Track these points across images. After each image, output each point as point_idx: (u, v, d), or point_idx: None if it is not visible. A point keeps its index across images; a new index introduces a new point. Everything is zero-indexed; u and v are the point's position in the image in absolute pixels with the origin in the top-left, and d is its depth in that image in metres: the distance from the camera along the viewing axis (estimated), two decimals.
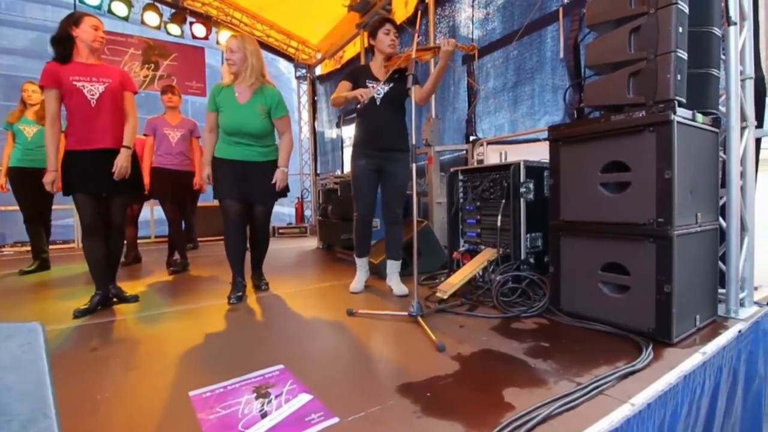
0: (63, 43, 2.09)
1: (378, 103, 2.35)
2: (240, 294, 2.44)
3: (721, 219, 1.85)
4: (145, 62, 6.50)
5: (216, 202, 2.57)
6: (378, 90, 2.34)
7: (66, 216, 5.78)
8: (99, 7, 5.57)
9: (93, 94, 2.13)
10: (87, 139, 2.12)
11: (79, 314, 2.13)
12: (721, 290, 1.86)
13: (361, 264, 2.59)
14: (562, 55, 3.38)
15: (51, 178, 2.10)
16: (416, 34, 2.18)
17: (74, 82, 2.10)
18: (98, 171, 2.15)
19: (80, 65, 2.14)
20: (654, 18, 1.59)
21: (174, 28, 6.16)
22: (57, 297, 2.59)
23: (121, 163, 2.19)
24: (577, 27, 3.29)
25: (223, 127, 2.42)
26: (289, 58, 7.65)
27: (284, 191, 2.57)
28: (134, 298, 2.41)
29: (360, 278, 2.58)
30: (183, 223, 3.70)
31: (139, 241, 4.23)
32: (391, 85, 2.36)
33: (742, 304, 1.85)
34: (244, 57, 2.35)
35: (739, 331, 1.62)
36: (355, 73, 2.40)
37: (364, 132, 2.40)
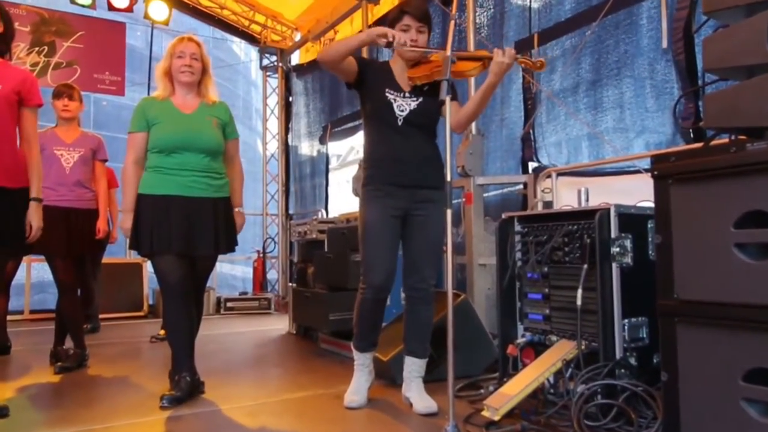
0: None
1: (400, 123, 2.48)
2: (180, 396, 2.59)
3: None
4: (36, 44, 6.85)
5: (128, 258, 2.76)
6: (401, 105, 2.49)
7: None
8: None
9: None
10: None
11: None
12: None
13: (364, 362, 2.62)
14: (665, 44, 3.58)
15: None
16: (452, 17, 2.35)
17: None
18: None
19: None
20: None
21: None
22: None
23: (35, 224, 2.39)
24: (688, 4, 3.51)
25: (162, 144, 2.65)
26: (251, 38, 8.05)
27: (235, 241, 2.87)
28: (2, 411, 2.42)
29: (360, 384, 2.60)
30: (79, 291, 3.75)
31: (8, 317, 4.27)
32: (420, 100, 2.50)
33: None
34: (201, 68, 2.74)
35: None
36: (371, 69, 2.56)
37: (382, 161, 2.52)
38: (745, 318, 1.77)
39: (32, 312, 6.25)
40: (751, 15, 1.85)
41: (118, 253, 6.07)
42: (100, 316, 5.31)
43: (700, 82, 3.25)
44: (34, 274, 6.38)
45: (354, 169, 5.52)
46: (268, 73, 8.40)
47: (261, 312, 6.85)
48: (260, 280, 7.73)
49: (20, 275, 4.98)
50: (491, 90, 2.37)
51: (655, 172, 2.03)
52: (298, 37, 7.93)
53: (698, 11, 3.27)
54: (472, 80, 4.06)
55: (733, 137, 1.92)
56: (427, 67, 2.43)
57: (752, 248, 1.78)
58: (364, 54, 5.92)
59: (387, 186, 2.47)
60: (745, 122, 1.84)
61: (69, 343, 3.59)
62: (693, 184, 1.93)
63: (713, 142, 1.99)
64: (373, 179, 2.52)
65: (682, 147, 3.19)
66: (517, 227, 2.81)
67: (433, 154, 2.57)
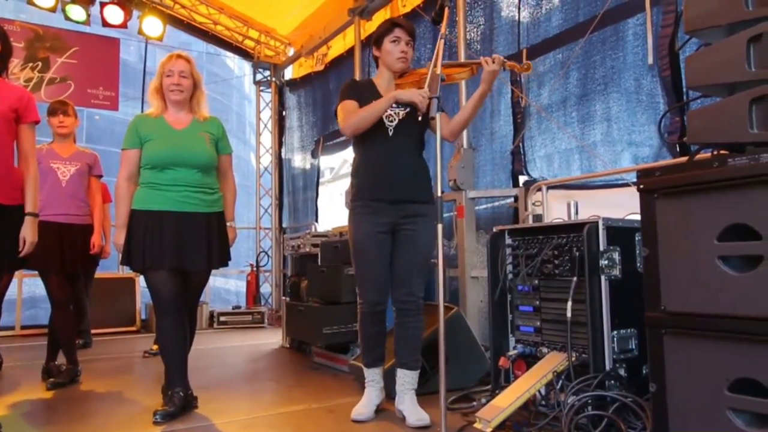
0: None
1: (391, 133, 2.53)
2: (173, 411, 2.58)
3: None
4: (29, 59, 6.85)
5: (120, 273, 2.77)
6: (390, 116, 2.53)
7: None
8: None
9: None
10: None
11: None
12: None
13: (374, 378, 2.64)
14: (651, 60, 3.64)
15: None
16: (442, 35, 2.40)
17: None
18: None
19: None
20: None
21: (76, 11, 6.59)
22: None
23: (29, 239, 2.39)
24: (673, 21, 3.58)
25: (154, 160, 2.68)
26: (245, 54, 8.09)
27: (228, 256, 2.88)
28: None
29: (371, 399, 2.61)
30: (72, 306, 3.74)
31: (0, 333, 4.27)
32: (408, 110, 2.55)
33: None
34: (192, 85, 2.76)
35: None
36: (358, 89, 2.61)
37: (369, 176, 2.56)
38: (729, 329, 1.79)
39: (23, 327, 6.20)
40: (732, 34, 1.90)
41: (111, 268, 6.01)
42: (93, 331, 5.27)
43: (684, 98, 3.31)
44: (25, 289, 6.33)
45: (347, 182, 5.54)
46: (261, 88, 8.42)
47: (254, 326, 6.83)
48: (253, 294, 7.69)
49: (12, 291, 4.93)
50: (483, 98, 2.46)
51: (641, 186, 2.06)
52: (291, 52, 7.97)
53: (682, 29, 3.34)
54: (462, 84, 4.15)
55: (715, 152, 1.96)
56: (416, 74, 2.50)
57: (735, 261, 1.81)
58: (357, 73, 5.98)
59: (374, 202, 2.51)
60: (727, 138, 1.89)
61: (61, 359, 3.58)
62: (678, 198, 1.96)
63: (697, 157, 2.02)
64: (360, 195, 2.55)
65: (668, 161, 3.23)
66: (508, 240, 2.84)
67: (421, 168, 2.60)
